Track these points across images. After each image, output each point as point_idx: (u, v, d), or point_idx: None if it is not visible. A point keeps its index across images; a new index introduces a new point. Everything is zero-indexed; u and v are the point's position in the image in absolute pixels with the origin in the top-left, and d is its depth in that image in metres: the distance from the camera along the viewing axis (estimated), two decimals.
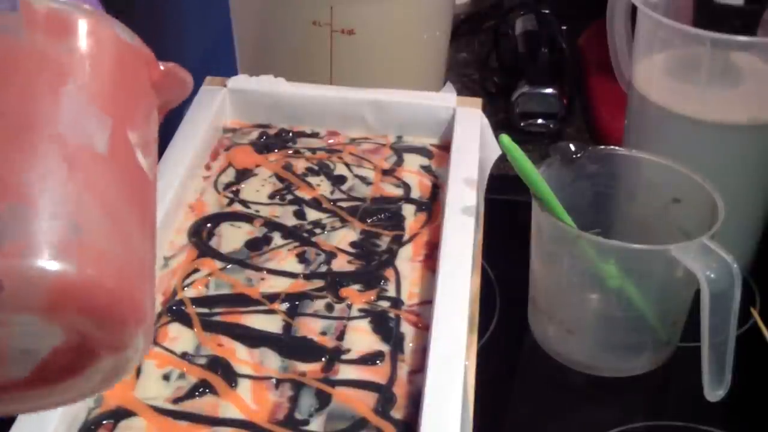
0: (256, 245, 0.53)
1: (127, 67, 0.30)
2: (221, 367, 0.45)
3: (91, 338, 0.26)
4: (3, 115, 0.25)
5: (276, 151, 0.61)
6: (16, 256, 0.23)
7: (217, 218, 0.55)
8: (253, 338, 0.47)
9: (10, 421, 0.39)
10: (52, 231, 0.24)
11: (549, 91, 0.79)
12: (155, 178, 0.30)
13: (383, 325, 0.48)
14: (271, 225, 0.54)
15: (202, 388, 0.44)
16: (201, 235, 0.53)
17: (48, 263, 0.24)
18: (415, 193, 0.57)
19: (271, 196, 0.57)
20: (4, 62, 0.26)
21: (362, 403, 0.43)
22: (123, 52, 0.30)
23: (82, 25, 0.29)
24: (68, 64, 0.28)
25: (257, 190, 0.57)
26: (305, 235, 0.54)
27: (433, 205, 0.56)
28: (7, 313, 0.24)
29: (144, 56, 0.31)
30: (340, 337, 0.47)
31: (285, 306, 0.49)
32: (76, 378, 0.28)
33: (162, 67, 0.31)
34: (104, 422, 0.42)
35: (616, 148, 0.59)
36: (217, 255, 0.52)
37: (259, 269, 0.51)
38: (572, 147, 0.57)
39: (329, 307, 0.49)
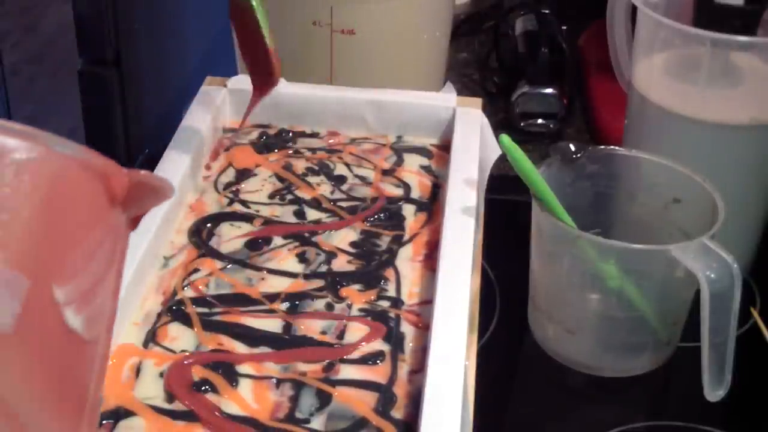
0: (256, 245, 0.53)
1: (67, 192, 0.24)
2: (222, 367, 0.45)
3: None
4: None
5: (276, 151, 0.61)
6: None
7: (217, 218, 0.55)
8: (253, 338, 0.47)
9: None
10: None
11: (549, 91, 0.79)
12: (105, 328, 0.25)
13: (383, 324, 0.48)
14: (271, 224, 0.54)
15: (203, 386, 0.44)
16: (201, 235, 0.53)
17: None
18: (415, 193, 0.58)
19: (271, 196, 0.57)
20: None
21: (363, 402, 0.43)
22: (61, 175, 0.24)
23: None
24: None
25: (257, 190, 0.57)
26: (305, 235, 0.54)
27: (433, 205, 0.56)
28: None
29: (98, 170, 0.25)
30: (341, 336, 0.47)
31: (285, 306, 0.49)
32: None
33: (127, 178, 0.26)
34: (104, 422, 0.42)
35: (616, 148, 0.59)
36: (217, 255, 0.52)
37: (259, 269, 0.51)
38: (572, 147, 0.57)
39: (329, 307, 0.49)
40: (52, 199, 0.23)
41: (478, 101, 0.62)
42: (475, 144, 0.58)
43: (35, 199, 0.23)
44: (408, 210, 0.56)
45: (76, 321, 0.23)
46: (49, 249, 0.23)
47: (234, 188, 0.57)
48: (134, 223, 0.27)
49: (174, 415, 0.42)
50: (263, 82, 0.56)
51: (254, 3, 0.53)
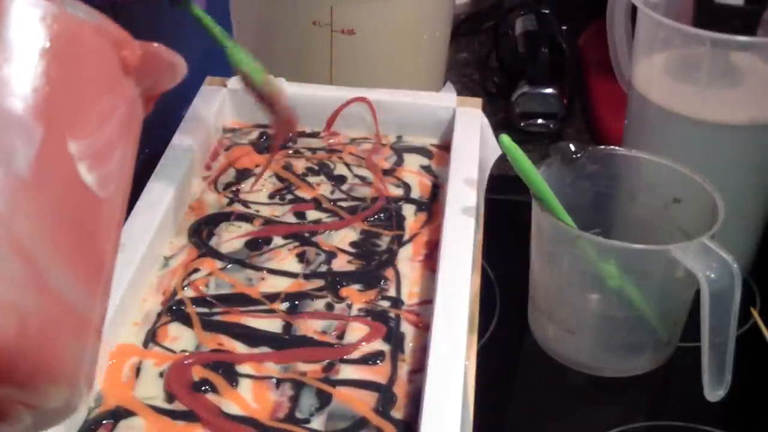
0: (256, 245, 0.53)
1: (81, 53, 0.24)
2: (222, 367, 0.45)
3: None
4: None
5: None
6: None
7: (217, 218, 0.55)
8: (253, 338, 0.47)
9: None
10: None
11: (549, 91, 0.79)
12: (121, 190, 0.25)
13: (383, 324, 0.48)
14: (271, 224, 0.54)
15: (203, 386, 0.44)
16: (201, 235, 0.53)
17: None
18: (415, 193, 0.58)
19: (271, 196, 0.57)
20: None
21: (363, 402, 0.43)
22: (75, 35, 0.24)
23: (10, 4, 0.23)
24: None
25: (257, 190, 0.57)
26: (305, 235, 0.54)
27: (433, 205, 0.56)
28: None
29: (112, 36, 0.25)
30: (341, 336, 0.47)
31: (285, 306, 0.49)
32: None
33: (141, 50, 0.26)
34: (104, 422, 0.42)
35: (616, 148, 0.59)
36: (217, 255, 0.52)
37: (259, 269, 0.51)
38: (572, 147, 0.57)
39: (329, 307, 0.49)
40: (67, 56, 0.24)
41: (478, 101, 0.62)
42: (475, 144, 0.58)
43: (50, 54, 0.23)
44: (408, 210, 0.56)
45: (89, 177, 0.24)
46: (64, 103, 0.23)
47: (234, 188, 0.57)
48: (149, 103, 0.27)
49: (174, 415, 0.42)
50: (282, 131, 0.56)
51: (248, 70, 0.53)
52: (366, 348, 0.46)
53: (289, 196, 0.57)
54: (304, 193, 0.57)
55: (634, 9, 0.61)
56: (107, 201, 0.25)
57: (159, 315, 0.48)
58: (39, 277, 0.22)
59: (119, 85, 0.25)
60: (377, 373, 0.45)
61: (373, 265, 0.52)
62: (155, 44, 0.27)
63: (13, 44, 0.23)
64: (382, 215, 0.55)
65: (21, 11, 0.23)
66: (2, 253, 0.21)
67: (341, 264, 0.52)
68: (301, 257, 0.52)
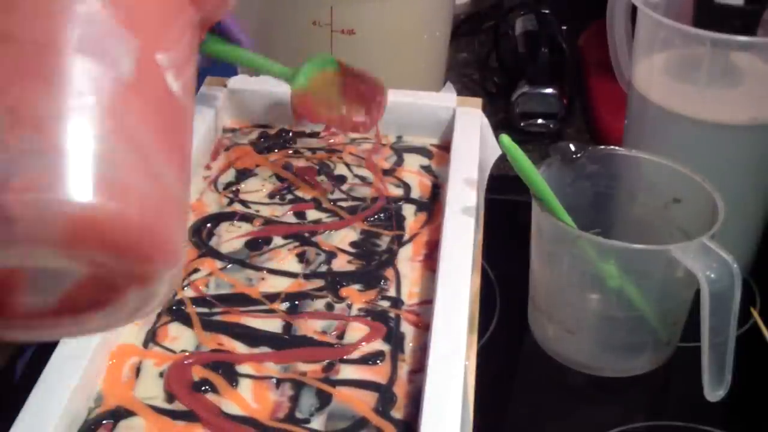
0: (256, 245, 0.53)
1: None
2: (222, 367, 0.45)
3: (115, 273, 0.24)
4: (13, 40, 0.23)
5: (276, 151, 0.61)
6: (29, 190, 0.22)
7: (217, 218, 0.55)
8: (253, 338, 0.47)
9: (10, 420, 0.39)
10: (69, 163, 0.22)
11: (549, 91, 0.79)
12: (193, 101, 0.28)
13: (383, 324, 0.48)
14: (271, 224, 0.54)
15: (203, 386, 0.44)
16: (201, 234, 0.53)
17: (64, 197, 0.22)
18: (415, 193, 0.58)
19: (271, 196, 0.57)
20: None
21: (363, 402, 0.43)
22: None
23: None
24: None
25: (257, 190, 0.57)
26: (306, 235, 0.54)
27: (433, 205, 0.56)
28: (23, 248, 0.23)
29: None
30: (341, 336, 0.47)
31: (285, 306, 0.49)
32: (104, 310, 0.26)
33: None
34: (104, 422, 0.42)
35: (616, 148, 0.59)
36: (217, 255, 0.52)
37: (259, 269, 0.51)
38: (572, 147, 0.57)
39: (329, 307, 0.49)
40: None
41: (478, 101, 0.62)
42: (475, 144, 0.58)
43: None
44: (408, 210, 0.56)
45: (175, 85, 0.26)
46: (150, 20, 0.26)
47: (234, 188, 0.57)
48: (202, 30, 0.30)
49: (174, 415, 0.42)
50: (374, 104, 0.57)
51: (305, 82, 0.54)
52: (366, 348, 0.46)
53: (289, 196, 0.57)
54: (304, 193, 0.57)
55: (634, 9, 0.61)
56: (188, 108, 0.27)
57: (159, 315, 0.48)
58: (149, 165, 0.24)
59: (186, 10, 0.28)
60: (377, 373, 0.45)
61: (373, 265, 0.52)
62: None
63: None
64: (382, 215, 0.55)
65: None
66: (122, 147, 0.24)
67: (341, 264, 0.52)
68: (301, 257, 0.52)
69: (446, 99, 0.63)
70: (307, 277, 0.51)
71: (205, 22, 0.30)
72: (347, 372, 0.45)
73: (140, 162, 0.24)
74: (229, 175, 0.58)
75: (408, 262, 0.52)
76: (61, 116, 0.23)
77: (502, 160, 0.57)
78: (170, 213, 0.25)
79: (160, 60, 0.26)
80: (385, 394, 0.44)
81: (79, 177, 0.22)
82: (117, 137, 0.24)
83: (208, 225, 0.54)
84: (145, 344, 0.46)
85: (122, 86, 0.24)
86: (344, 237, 0.54)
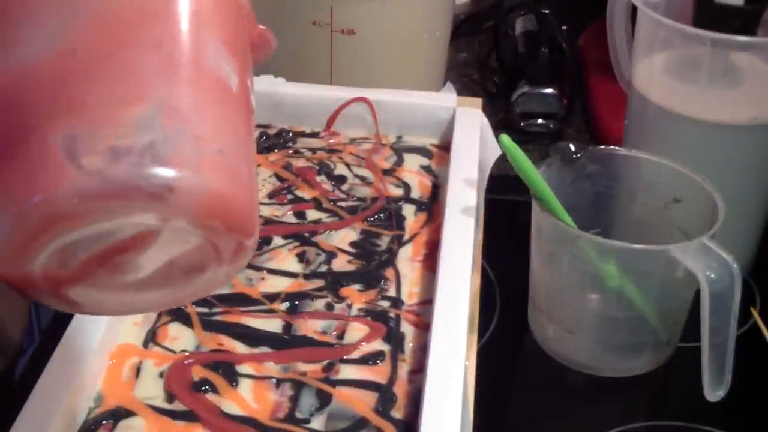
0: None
1: (240, 21, 0.31)
2: (222, 367, 0.45)
3: (220, 250, 0.28)
4: (161, 47, 0.27)
5: (276, 151, 0.61)
6: (186, 167, 0.26)
7: None
8: (253, 338, 0.47)
9: (11, 420, 0.39)
10: (208, 150, 0.27)
11: (549, 91, 0.79)
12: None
13: (383, 324, 0.48)
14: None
15: (203, 386, 0.44)
16: None
17: (206, 177, 0.26)
18: (415, 193, 0.58)
19: (271, 196, 0.57)
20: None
21: (363, 402, 0.43)
22: (238, 7, 0.31)
23: None
24: (203, 11, 0.29)
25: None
26: (306, 235, 0.54)
27: (433, 205, 0.56)
28: (170, 215, 0.26)
29: (250, 15, 0.32)
30: (341, 336, 0.47)
31: (285, 306, 0.49)
32: (183, 286, 0.30)
33: (257, 30, 0.33)
34: (104, 422, 0.42)
35: (616, 148, 0.58)
36: None
37: (259, 269, 0.51)
38: (572, 147, 0.57)
39: (329, 307, 0.49)
40: (237, 19, 0.31)
41: (478, 101, 0.62)
42: (475, 144, 0.58)
43: (231, 14, 0.31)
44: (408, 210, 0.56)
45: (254, 102, 0.31)
46: (242, 48, 0.31)
47: None
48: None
49: (174, 415, 0.42)
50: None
51: None
52: (366, 348, 0.46)
53: (289, 196, 0.57)
54: (304, 193, 0.57)
55: (634, 9, 0.61)
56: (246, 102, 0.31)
57: (159, 315, 0.48)
58: (247, 162, 0.29)
59: (249, 52, 0.32)
60: (377, 373, 0.45)
61: (373, 265, 0.52)
62: (264, 27, 0.33)
63: (212, 4, 0.30)
64: (382, 215, 0.55)
65: None
66: (233, 144, 0.28)
67: (341, 264, 0.52)
68: (301, 257, 0.52)
69: (446, 99, 0.63)
70: (307, 277, 0.51)
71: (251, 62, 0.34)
72: (347, 372, 0.45)
73: (243, 157, 0.29)
74: None
75: (408, 262, 0.52)
76: (200, 114, 0.27)
77: (502, 160, 0.57)
78: (256, 199, 0.30)
79: (248, 83, 0.31)
80: (385, 394, 0.44)
81: (215, 163, 0.27)
82: (230, 136, 0.28)
83: None
84: (145, 344, 0.46)
85: (232, 97, 0.29)
86: (344, 237, 0.54)
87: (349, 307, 0.49)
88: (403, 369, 0.45)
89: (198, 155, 0.27)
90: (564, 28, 0.86)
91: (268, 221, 0.55)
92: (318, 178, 0.58)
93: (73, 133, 0.26)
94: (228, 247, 0.29)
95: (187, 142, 0.26)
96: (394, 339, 0.47)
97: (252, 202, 0.29)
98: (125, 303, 0.30)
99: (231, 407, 0.43)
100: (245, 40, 0.32)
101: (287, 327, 0.47)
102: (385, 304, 0.49)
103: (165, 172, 0.26)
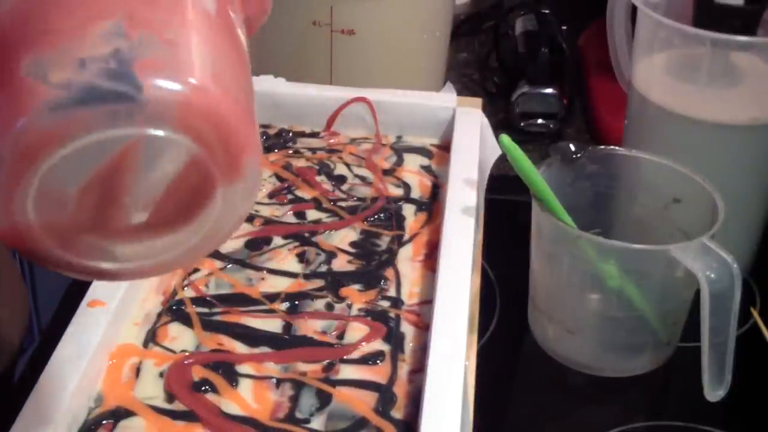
0: (256, 245, 0.53)
1: None
2: (222, 367, 0.45)
3: (214, 161, 0.27)
4: None
5: (276, 151, 0.61)
6: (153, 68, 0.26)
7: None
8: (253, 338, 0.47)
9: (11, 419, 0.39)
10: (182, 53, 0.26)
11: (549, 91, 0.79)
12: (249, 70, 0.31)
13: (383, 324, 0.48)
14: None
15: (203, 386, 0.44)
16: None
17: (183, 77, 0.26)
18: (415, 193, 0.58)
19: (271, 196, 0.57)
20: None
21: (363, 402, 0.43)
22: None
23: None
24: None
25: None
26: (306, 235, 0.54)
27: (433, 205, 0.56)
28: (145, 119, 0.26)
29: None
30: (341, 336, 0.47)
31: (285, 306, 0.49)
32: (193, 221, 0.29)
33: None
34: (104, 422, 0.42)
35: (616, 148, 0.58)
36: (217, 255, 0.52)
37: (259, 269, 0.51)
38: (572, 147, 0.57)
39: (329, 307, 0.49)
40: None
41: (478, 101, 0.62)
42: (475, 144, 0.58)
43: None
44: (408, 210, 0.56)
45: (243, 38, 0.30)
46: None
47: None
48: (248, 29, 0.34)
49: (174, 415, 0.42)
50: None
51: None
52: (366, 348, 0.46)
53: (289, 196, 0.57)
54: (304, 193, 0.57)
55: (634, 9, 0.61)
56: (248, 59, 0.31)
57: (159, 315, 0.48)
58: (236, 76, 0.28)
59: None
60: (377, 373, 0.45)
61: (373, 265, 0.52)
62: None
63: None
64: (382, 215, 0.55)
65: None
66: (216, 52, 0.28)
67: (341, 264, 0.52)
68: (301, 257, 0.52)
69: (446, 99, 0.63)
70: (307, 277, 0.51)
71: (247, 24, 0.33)
72: (347, 372, 0.45)
73: (230, 69, 0.28)
74: None
75: (408, 262, 0.52)
76: (170, 21, 0.27)
77: (502, 160, 0.57)
78: (252, 119, 0.29)
79: (231, 13, 0.30)
80: (385, 394, 0.44)
81: (191, 64, 0.26)
82: (212, 47, 0.28)
83: None
84: (145, 344, 0.46)
85: (211, 18, 0.28)
86: (344, 237, 0.54)
87: (349, 307, 0.49)
88: (403, 369, 0.45)
89: (172, 57, 0.26)
90: (564, 28, 0.86)
91: (268, 221, 0.55)
92: (318, 178, 0.58)
93: (40, 57, 0.25)
94: (223, 163, 0.28)
95: (157, 47, 0.26)
96: (394, 339, 0.47)
97: (244, 114, 0.28)
98: (143, 255, 0.29)
99: (231, 407, 0.43)
100: None
101: (287, 327, 0.47)
102: (385, 304, 0.49)
103: (131, 72, 0.25)
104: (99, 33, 0.26)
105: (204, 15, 0.28)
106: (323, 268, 0.51)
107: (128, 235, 0.29)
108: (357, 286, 0.50)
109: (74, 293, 0.47)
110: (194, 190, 0.28)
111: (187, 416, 0.42)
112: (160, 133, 0.26)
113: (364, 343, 0.46)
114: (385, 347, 0.46)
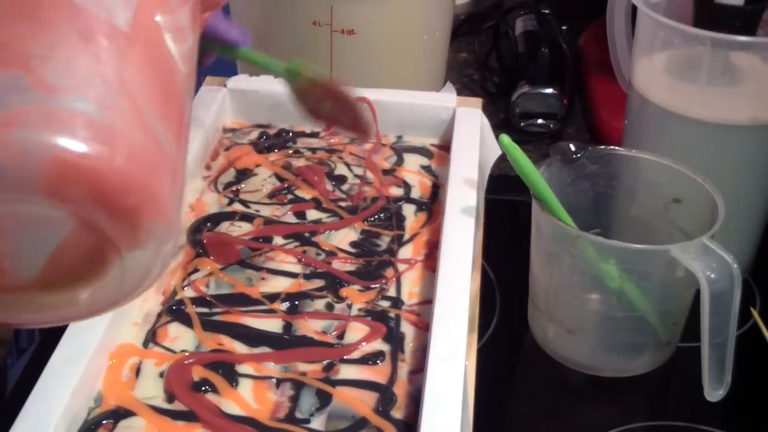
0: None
1: None
2: (222, 367, 0.45)
3: (103, 230, 0.23)
4: None
5: (276, 151, 0.61)
6: (13, 125, 0.21)
7: (217, 218, 0.55)
8: (253, 338, 0.47)
9: (11, 419, 0.39)
10: (57, 102, 0.22)
11: (549, 91, 0.79)
12: (192, 70, 0.27)
13: (383, 324, 0.48)
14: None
15: (203, 386, 0.44)
16: (201, 234, 0.53)
17: (50, 134, 0.21)
18: (415, 193, 0.58)
19: (271, 196, 0.57)
20: None
21: (363, 402, 0.43)
22: None
23: None
24: None
25: (257, 190, 0.57)
26: (306, 235, 0.54)
27: (433, 205, 0.56)
28: (7, 194, 0.22)
29: None
30: (341, 336, 0.47)
31: (285, 306, 0.49)
32: (91, 283, 0.25)
33: None
34: (104, 422, 0.42)
35: (616, 148, 0.59)
36: None
37: (259, 269, 0.51)
38: (572, 147, 0.57)
39: (329, 307, 0.49)
40: None
41: (478, 101, 0.62)
42: (475, 144, 0.58)
43: None
44: (408, 210, 0.56)
45: (173, 48, 0.26)
46: None
47: (234, 188, 0.57)
48: (206, 9, 0.30)
49: (174, 415, 0.42)
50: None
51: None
52: (366, 348, 0.46)
53: (289, 196, 0.57)
54: (304, 193, 0.57)
55: (634, 9, 0.61)
56: (188, 76, 0.27)
57: (159, 315, 0.48)
58: (142, 118, 0.24)
59: None
60: (377, 373, 0.45)
61: (373, 265, 0.52)
62: None
63: None
64: (382, 215, 0.55)
65: None
66: (114, 92, 0.23)
67: (341, 264, 0.52)
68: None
69: (446, 99, 0.63)
70: (307, 277, 0.51)
71: (206, 5, 0.30)
72: (347, 372, 0.45)
73: (133, 111, 0.24)
74: (229, 175, 0.58)
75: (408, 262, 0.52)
76: (51, 57, 0.22)
77: (502, 160, 0.57)
78: (162, 169, 0.24)
79: (159, 20, 0.26)
80: (385, 394, 0.44)
81: (67, 116, 0.22)
82: (108, 82, 0.23)
83: (208, 225, 0.54)
84: (145, 344, 0.46)
85: (117, 36, 0.24)
86: (344, 237, 0.54)
87: (349, 307, 0.49)
88: (403, 369, 0.45)
89: (46, 107, 0.21)
90: (564, 28, 0.86)
91: (268, 221, 0.55)
92: (317, 178, 0.58)
93: None
94: (116, 230, 0.23)
95: (23, 94, 0.21)
96: (394, 339, 0.47)
97: (144, 168, 0.23)
98: (38, 306, 0.26)
99: (231, 407, 0.43)
100: None
101: (287, 327, 0.47)
102: (385, 304, 0.49)
103: None
104: None
105: (108, 34, 0.24)
106: (323, 268, 0.51)
107: (25, 290, 0.25)
108: (357, 286, 0.50)
109: None
110: (88, 254, 0.25)
111: (187, 416, 0.42)
112: (20, 200, 0.22)
113: (364, 343, 0.46)
114: (385, 347, 0.46)
